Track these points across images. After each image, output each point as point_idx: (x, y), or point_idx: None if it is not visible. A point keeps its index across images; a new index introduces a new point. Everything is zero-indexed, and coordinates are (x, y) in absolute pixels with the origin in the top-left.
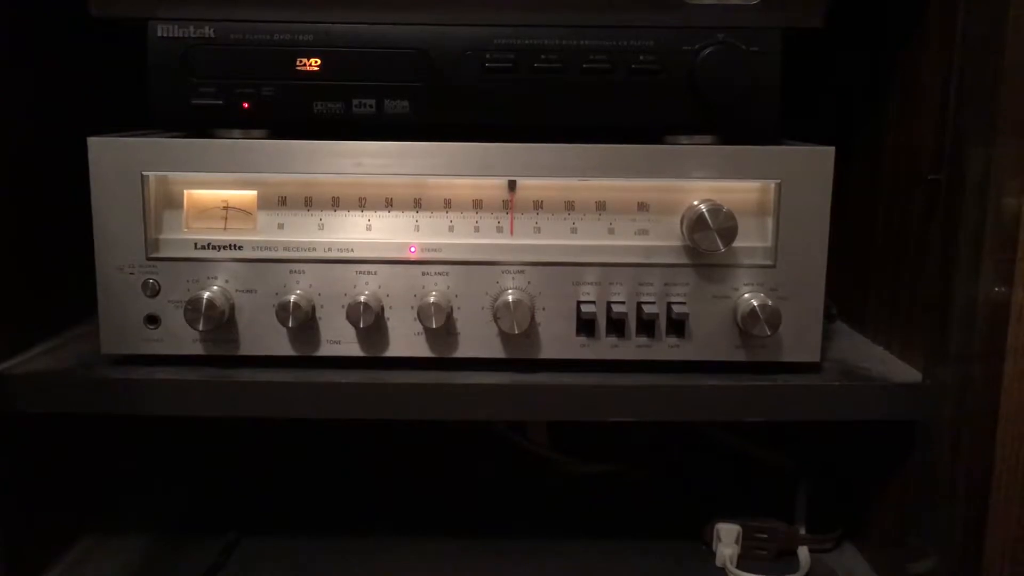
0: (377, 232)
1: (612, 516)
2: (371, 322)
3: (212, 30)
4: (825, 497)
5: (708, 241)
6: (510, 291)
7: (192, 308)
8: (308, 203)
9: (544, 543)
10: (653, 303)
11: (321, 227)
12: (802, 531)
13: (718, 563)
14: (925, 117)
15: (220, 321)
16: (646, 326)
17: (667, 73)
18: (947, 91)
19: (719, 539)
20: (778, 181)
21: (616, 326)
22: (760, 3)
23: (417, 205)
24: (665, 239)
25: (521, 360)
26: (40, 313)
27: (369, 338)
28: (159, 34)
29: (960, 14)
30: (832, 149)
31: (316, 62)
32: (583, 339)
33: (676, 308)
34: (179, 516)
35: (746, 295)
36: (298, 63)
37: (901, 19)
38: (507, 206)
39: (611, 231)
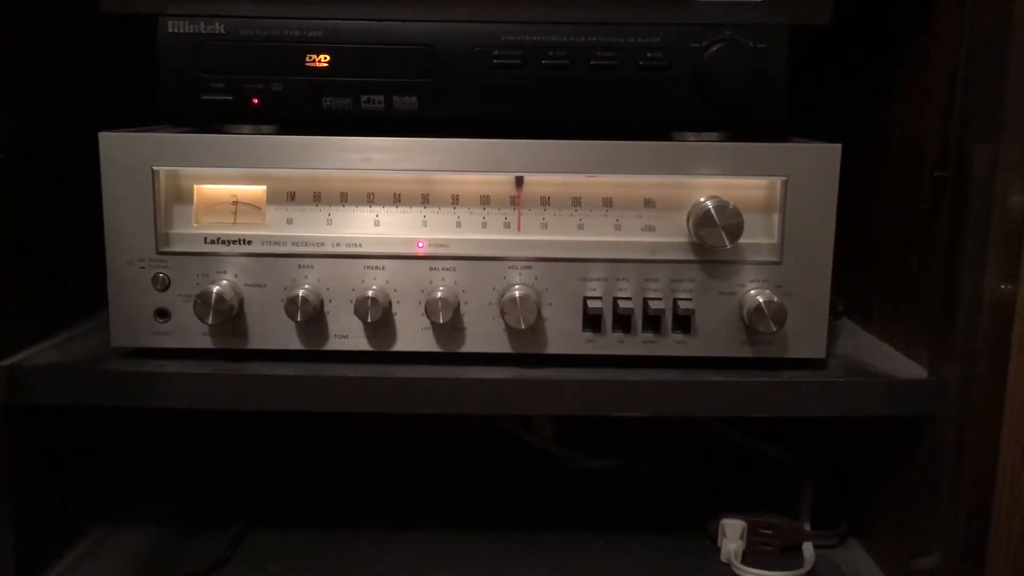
0: (385, 227)
1: (617, 511)
2: (379, 317)
3: (222, 26)
4: (830, 493)
5: (714, 237)
6: (517, 286)
7: (201, 302)
8: (317, 198)
9: (549, 537)
10: (659, 299)
11: (329, 222)
12: (807, 527)
13: (723, 558)
14: (931, 114)
15: (229, 315)
16: (652, 322)
17: (674, 70)
18: (953, 88)
19: (724, 534)
20: (784, 178)
21: (622, 322)
22: (767, 0)
23: (425, 201)
24: (671, 235)
25: (527, 355)
26: (51, 306)
27: (377, 333)
28: (169, 30)
29: (966, 11)
30: (838, 146)
31: (325, 58)
32: (589, 334)
33: (682, 304)
34: (186, 508)
35: (752, 291)
36: (307, 59)
37: (908, 16)
38: (514, 202)
39: (618, 227)
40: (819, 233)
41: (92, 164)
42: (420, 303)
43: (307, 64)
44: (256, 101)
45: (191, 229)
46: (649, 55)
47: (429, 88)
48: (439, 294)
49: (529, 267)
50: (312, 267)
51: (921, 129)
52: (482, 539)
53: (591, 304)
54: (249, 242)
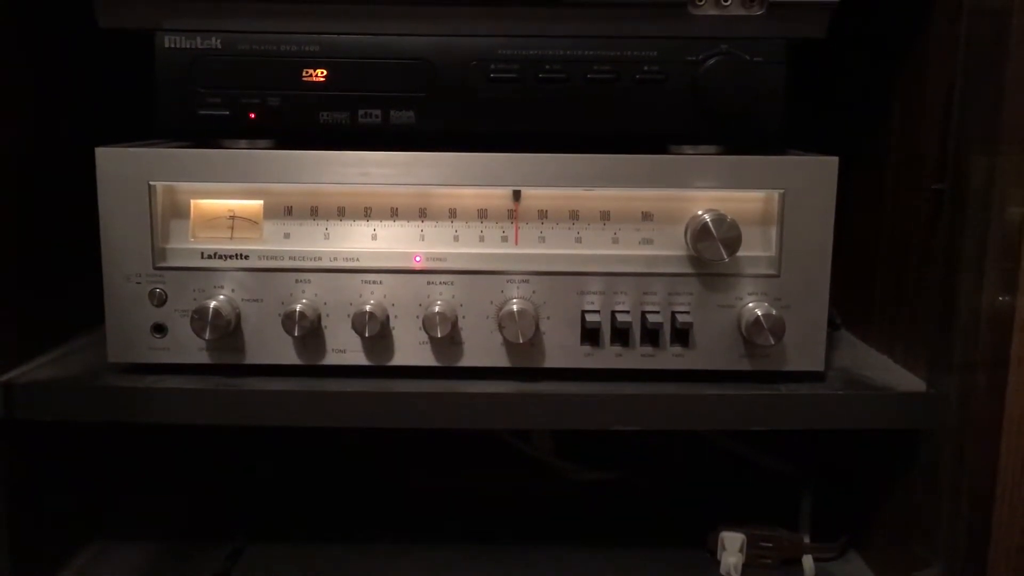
0: (382, 241)
1: (616, 524)
2: (376, 331)
3: (219, 41)
4: (829, 505)
5: (712, 251)
6: (515, 300)
7: (198, 317)
8: (314, 213)
9: (548, 550)
10: (657, 312)
11: (327, 236)
12: (806, 539)
13: (722, 572)
14: (929, 127)
15: (226, 330)
16: (650, 335)
17: (671, 83)
18: (950, 100)
19: (723, 547)
20: (782, 191)
21: (620, 335)
22: (764, 14)
23: (422, 215)
24: (669, 248)
25: (526, 369)
26: (47, 322)
27: (374, 347)
28: (166, 45)
29: (963, 23)
30: (836, 159)
31: (322, 73)
32: (587, 348)
33: (680, 317)
34: (185, 522)
35: (750, 304)
36: (304, 74)
37: (904, 29)
38: (512, 216)
39: (615, 241)
40: (817, 246)
41: (89, 179)
42: (418, 317)
43: (304, 79)
44: (253, 116)
45: (188, 244)
46: (646, 68)
47: (426, 102)
48: (437, 308)
49: (527, 281)
50: (309, 282)
51: (918, 141)
52: (481, 551)
53: (589, 318)
54: (246, 257)
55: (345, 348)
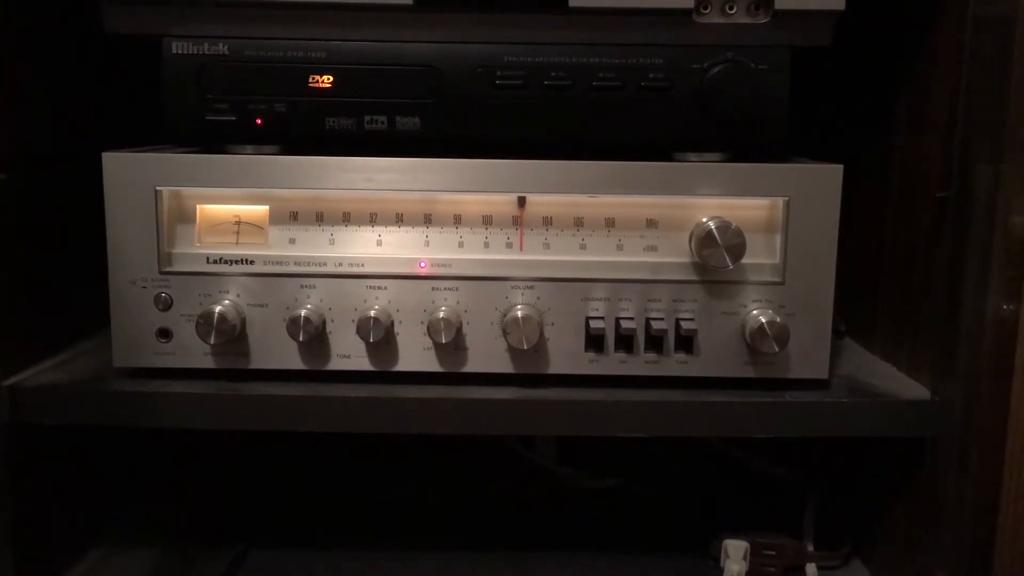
0: (387, 247)
1: (620, 531)
2: (381, 337)
3: (226, 47)
4: (833, 513)
5: (716, 258)
6: (519, 306)
7: (204, 322)
8: (319, 218)
9: (551, 557)
10: (662, 319)
11: (332, 242)
12: (810, 547)
13: None
14: (933, 135)
15: (231, 335)
16: (654, 342)
17: (676, 90)
18: (955, 108)
19: (727, 555)
20: (786, 198)
21: (625, 342)
22: (769, 21)
23: (427, 221)
24: (674, 255)
25: (530, 375)
26: (53, 326)
27: (379, 353)
28: (173, 51)
29: (968, 31)
30: (840, 167)
31: (328, 79)
32: (592, 355)
33: (684, 324)
34: (188, 527)
35: (754, 312)
36: (311, 80)
37: (909, 37)
38: (516, 222)
39: (620, 247)
40: (821, 253)
41: (95, 184)
42: (422, 323)
43: (310, 85)
44: (259, 121)
45: (194, 249)
46: (651, 76)
47: (432, 108)
48: (441, 314)
49: (531, 287)
50: (314, 287)
51: (923, 149)
52: (483, 559)
53: (593, 324)
54: (251, 262)
55: (350, 353)
